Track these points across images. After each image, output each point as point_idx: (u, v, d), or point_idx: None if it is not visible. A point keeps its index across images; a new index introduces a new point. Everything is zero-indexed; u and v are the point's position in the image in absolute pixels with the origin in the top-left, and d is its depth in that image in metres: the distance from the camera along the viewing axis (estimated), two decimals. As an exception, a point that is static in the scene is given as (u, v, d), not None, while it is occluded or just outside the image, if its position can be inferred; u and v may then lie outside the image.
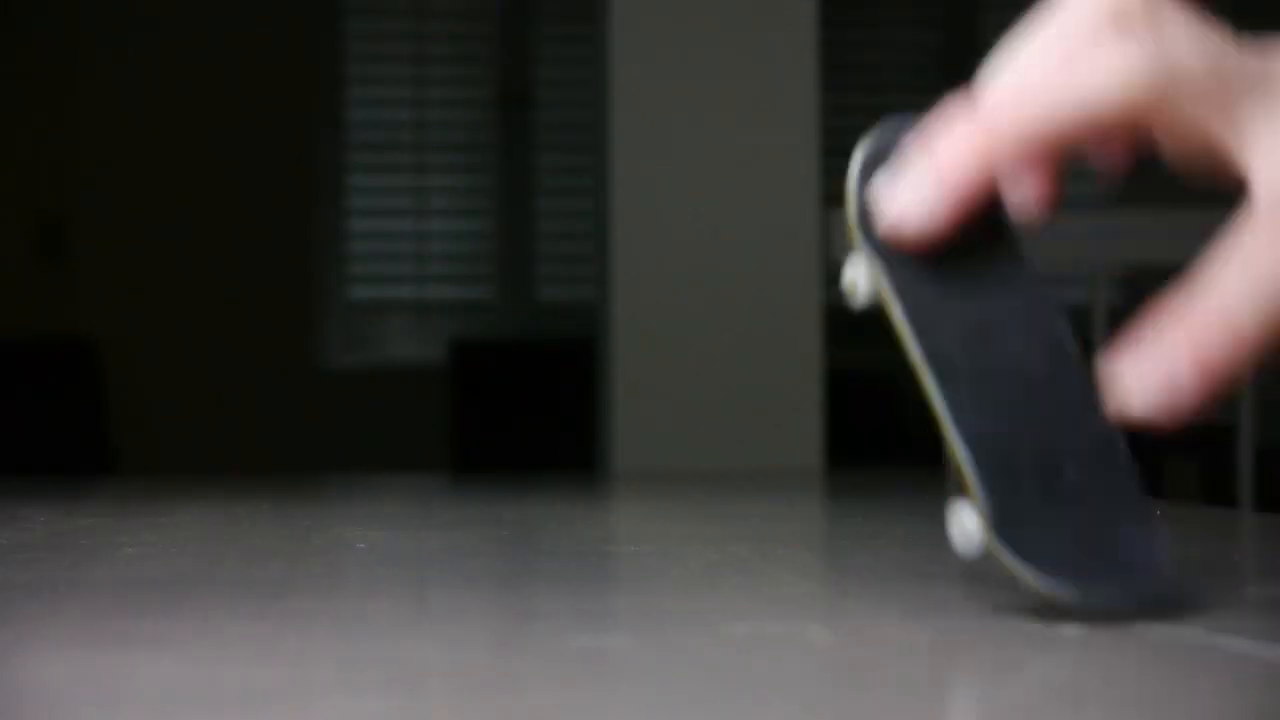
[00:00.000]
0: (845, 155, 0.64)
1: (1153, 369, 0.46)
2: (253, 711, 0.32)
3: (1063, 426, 0.46)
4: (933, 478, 1.27)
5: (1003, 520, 0.44)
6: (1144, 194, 4.68)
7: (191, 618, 0.44)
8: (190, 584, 0.51)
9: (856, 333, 4.38)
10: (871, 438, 3.85)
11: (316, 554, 0.59)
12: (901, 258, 0.47)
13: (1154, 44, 0.47)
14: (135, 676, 0.36)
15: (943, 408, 0.45)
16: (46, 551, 0.59)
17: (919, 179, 0.48)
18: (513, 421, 4.17)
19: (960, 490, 0.45)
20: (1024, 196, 0.49)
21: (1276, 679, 0.36)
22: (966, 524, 0.44)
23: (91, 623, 0.44)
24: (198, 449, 4.23)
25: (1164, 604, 0.45)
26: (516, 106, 4.41)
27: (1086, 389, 0.46)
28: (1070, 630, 0.42)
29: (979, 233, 0.48)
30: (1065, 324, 0.48)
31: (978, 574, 0.55)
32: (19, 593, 0.49)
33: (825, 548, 0.63)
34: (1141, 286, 4.53)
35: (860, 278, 0.47)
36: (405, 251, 4.41)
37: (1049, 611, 0.44)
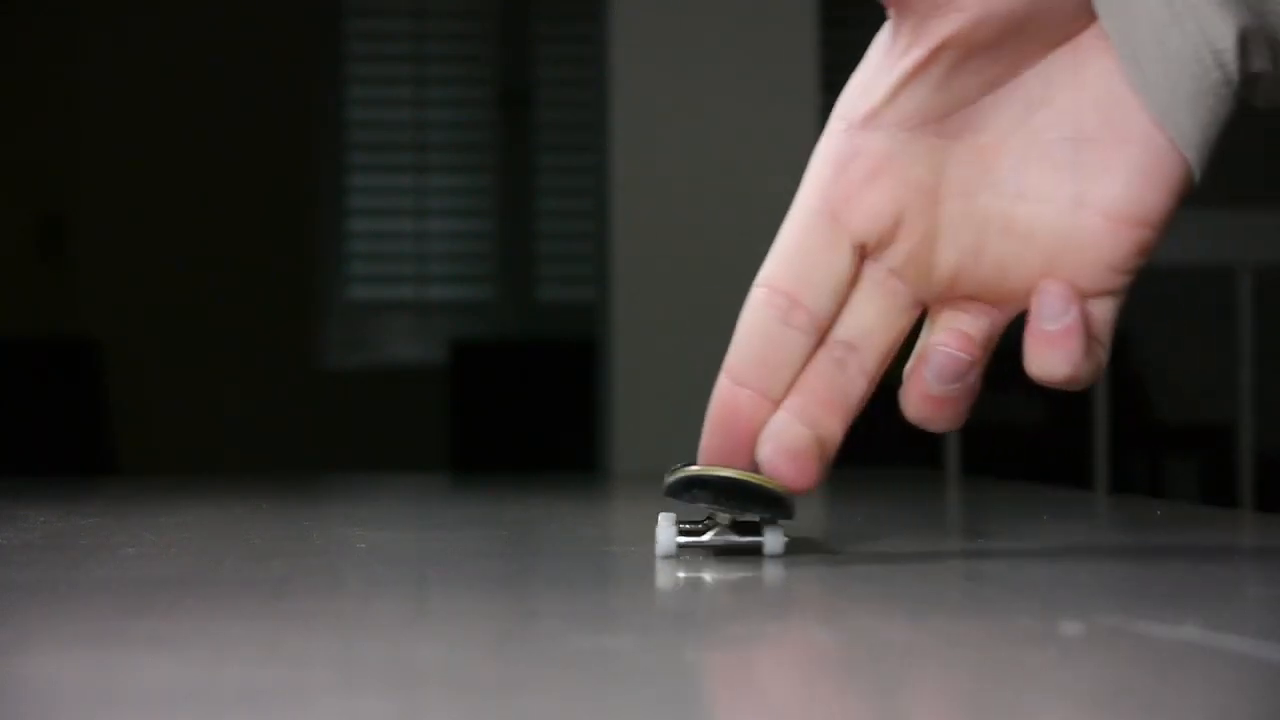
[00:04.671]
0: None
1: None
2: (253, 711, 0.32)
3: None
4: (933, 478, 1.27)
5: None
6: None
7: (191, 618, 0.44)
8: (190, 584, 0.51)
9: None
10: (871, 438, 3.85)
11: (316, 554, 0.59)
12: None
13: None
14: (135, 676, 0.36)
15: None
16: (46, 551, 0.59)
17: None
18: (513, 421, 4.17)
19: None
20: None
21: (1276, 679, 0.36)
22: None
23: (91, 623, 0.44)
24: (198, 449, 4.23)
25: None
26: (517, 106, 4.41)
27: None
28: (1070, 630, 0.42)
29: None
30: None
31: (978, 574, 0.55)
32: (19, 593, 0.49)
33: (825, 548, 0.63)
34: (1142, 285, 4.52)
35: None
36: (405, 251, 4.41)
37: (1049, 612, 0.44)
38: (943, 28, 0.50)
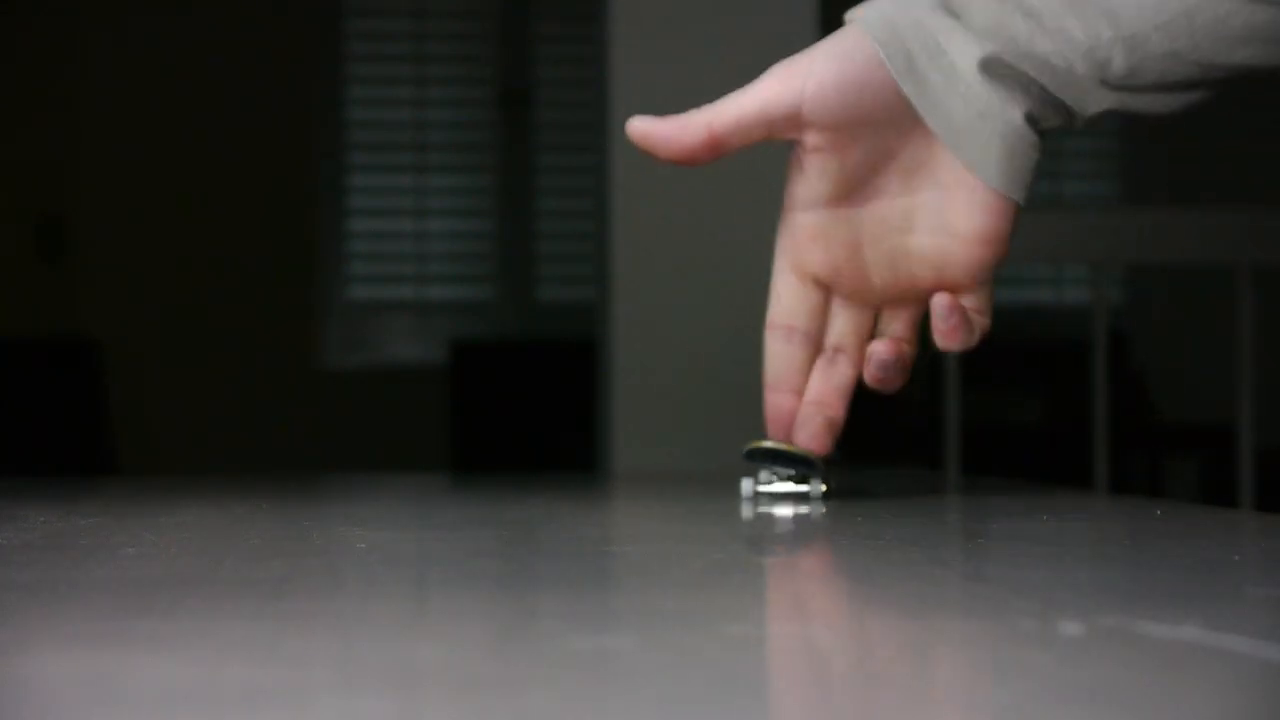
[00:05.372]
0: (845, 155, 0.66)
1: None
2: (253, 711, 0.32)
3: None
4: (932, 478, 1.27)
5: None
6: (1146, 193, 4.66)
7: (191, 618, 0.44)
8: (190, 584, 0.51)
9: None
10: (871, 438, 3.86)
11: (316, 554, 0.59)
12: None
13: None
14: (135, 676, 0.36)
15: None
16: (46, 551, 0.59)
17: None
18: (513, 421, 4.17)
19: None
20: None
21: (1276, 679, 0.36)
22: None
23: (91, 623, 0.44)
24: (198, 449, 4.23)
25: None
26: (517, 106, 4.41)
27: None
28: (1070, 630, 0.42)
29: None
30: None
31: (978, 574, 0.55)
32: (19, 593, 0.49)
33: (825, 548, 0.63)
34: (1142, 285, 4.52)
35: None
36: (405, 251, 4.41)
37: (1049, 612, 0.44)
38: (811, 141, 0.76)
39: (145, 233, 4.24)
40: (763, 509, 0.79)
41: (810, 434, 0.80)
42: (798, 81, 0.75)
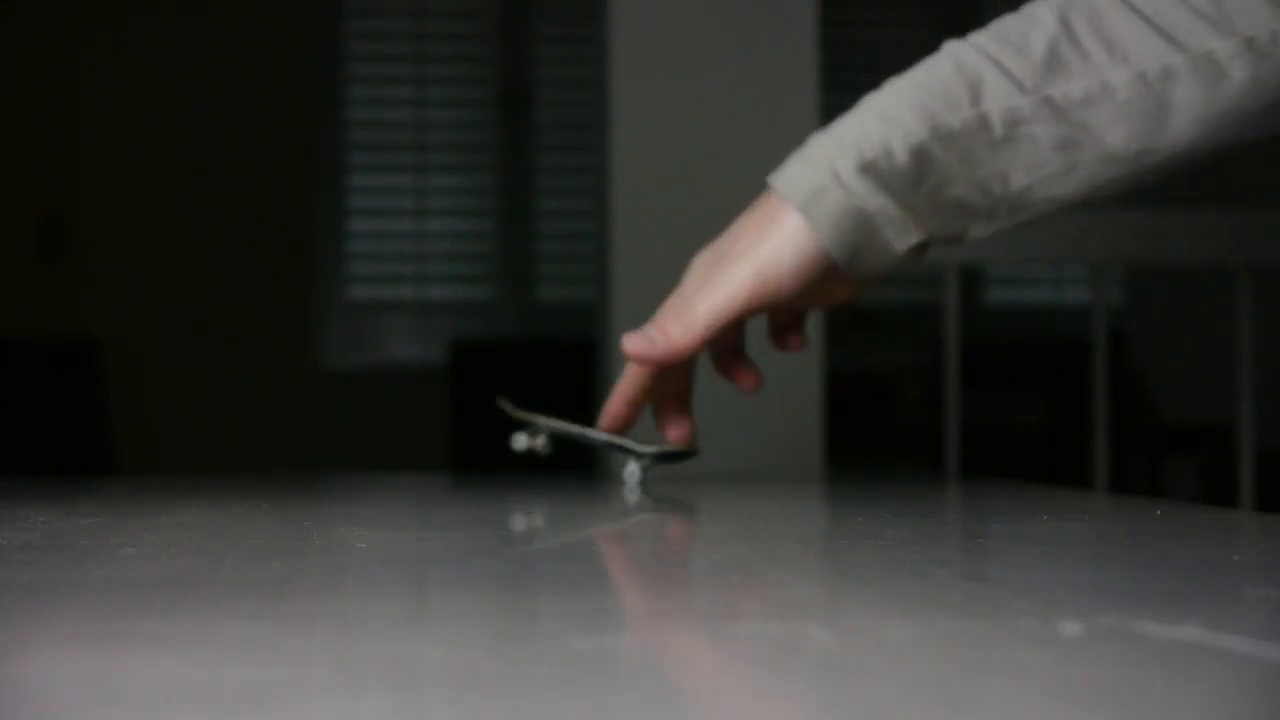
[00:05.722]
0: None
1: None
2: (253, 711, 0.32)
3: None
4: (932, 478, 1.27)
5: None
6: (1146, 193, 4.65)
7: (191, 618, 0.44)
8: (190, 584, 0.51)
9: (856, 333, 4.38)
10: (871, 438, 3.85)
11: (316, 554, 0.59)
12: None
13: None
14: (135, 676, 0.36)
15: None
16: (46, 551, 0.59)
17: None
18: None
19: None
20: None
21: (1276, 679, 0.36)
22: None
23: (91, 623, 0.44)
24: (198, 449, 4.23)
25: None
26: (517, 106, 4.41)
27: None
28: (1070, 630, 0.42)
29: None
30: None
31: (978, 574, 0.55)
32: (19, 593, 0.49)
33: (825, 548, 0.63)
34: (1142, 285, 4.52)
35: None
36: (405, 251, 4.41)
37: (1049, 612, 0.44)
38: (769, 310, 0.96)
39: (145, 233, 4.24)
40: (761, 502, 0.79)
41: (684, 432, 1.01)
42: (772, 286, 0.93)
